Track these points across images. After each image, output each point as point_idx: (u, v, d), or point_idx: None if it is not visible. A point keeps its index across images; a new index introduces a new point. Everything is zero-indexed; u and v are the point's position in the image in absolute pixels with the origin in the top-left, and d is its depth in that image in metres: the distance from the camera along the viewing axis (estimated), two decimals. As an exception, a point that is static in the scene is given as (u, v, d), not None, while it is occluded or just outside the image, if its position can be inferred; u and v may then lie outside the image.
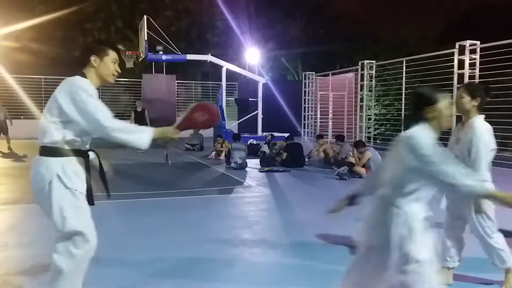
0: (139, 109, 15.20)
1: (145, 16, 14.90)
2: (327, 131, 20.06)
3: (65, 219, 2.71)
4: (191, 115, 3.08)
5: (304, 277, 3.88)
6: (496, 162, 11.83)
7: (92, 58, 2.87)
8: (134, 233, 5.19)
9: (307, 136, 21.20)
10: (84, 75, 2.85)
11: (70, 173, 2.75)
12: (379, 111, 18.31)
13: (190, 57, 15.98)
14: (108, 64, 2.92)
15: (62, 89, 2.74)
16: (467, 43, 12.70)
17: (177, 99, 22.84)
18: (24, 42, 23.21)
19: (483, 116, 3.43)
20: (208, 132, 13.53)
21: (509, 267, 3.42)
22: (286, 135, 12.77)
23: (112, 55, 2.94)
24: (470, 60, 12.73)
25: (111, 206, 5.56)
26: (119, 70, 2.98)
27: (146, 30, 14.59)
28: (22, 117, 19.48)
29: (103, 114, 2.68)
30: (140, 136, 2.78)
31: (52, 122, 2.72)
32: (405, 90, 15.41)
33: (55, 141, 2.73)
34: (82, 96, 2.68)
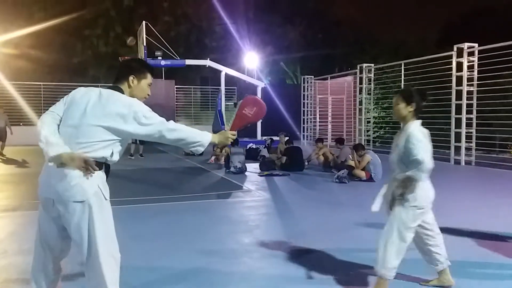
0: None
1: (143, 22, 14.96)
2: (327, 135, 20.08)
3: (110, 235, 2.74)
4: (241, 113, 3.21)
5: (304, 282, 3.87)
6: (497, 164, 11.89)
7: (131, 78, 2.85)
8: (133, 238, 5.18)
9: (306, 140, 21.21)
10: (122, 91, 2.81)
11: (105, 183, 2.76)
12: (378, 114, 18.34)
13: (189, 62, 16.03)
14: (144, 87, 2.91)
15: (109, 111, 2.67)
16: (465, 45, 12.74)
17: (176, 104, 22.88)
18: (24, 49, 23.27)
19: (419, 121, 3.47)
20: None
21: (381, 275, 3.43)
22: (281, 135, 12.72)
23: (149, 79, 2.93)
24: (468, 62, 12.77)
25: (112, 211, 5.55)
26: (150, 94, 2.98)
27: (144, 36, 14.63)
28: (21, 124, 19.50)
29: (162, 119, 2.78)
30: (201, 139, 2.87)
31: (100, 141, 2.65)
32: (404, 93, 15.40)
33: (103, 157, 2.69)
34: (139, 113, 2.68)
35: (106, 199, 2.73)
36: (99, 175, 2.72)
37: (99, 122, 2.64)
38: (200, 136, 2.88)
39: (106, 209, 2.73)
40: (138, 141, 13.25)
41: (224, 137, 3.02)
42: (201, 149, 2.93)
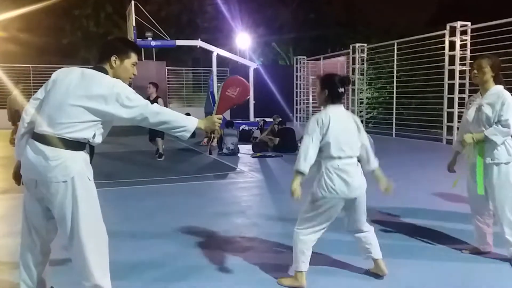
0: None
1: (132, 2, 14.71)
2: (319, 116, 20.04)
3: (94, 215, 2.70)
4: (224, 95, 3.13)
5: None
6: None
7: (113, 58, 2.77)
8: (124, 219, 5.18)
9: (299, 121, 21.19)
10: (106, 72, 2.74)
11: (88, 164, 2.72)
12: (371, 95, 18.31)
13: (179, 42, 15.85)
14: (127, 67, 2.83)
15: (91, 91, 2.61)
16: (458, 24, 12.67)
17: (168, 86, 22.68)
18: (12, 31, 22.90)
19: (333, 106, 3.28)
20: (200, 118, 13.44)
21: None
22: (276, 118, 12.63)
23: (133, 58, 2.85)
24: (461, 41, 12.72)
25: (103, 193, 5.52)
26: (136, 74, 2.89)
27: (134, 16, 14.42)
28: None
29: (146, 101, 2.72)
30: (185, 123, 2.80)
31: (81, 121, 2.60)
32: (397, 73, 15.40)
33: (84, 138, 2.64)
34: (122, 95, 2.62)
35: (90, 180, 2.69)
36: (82, 156, 2.68)
37: (80, 103, 2.59)
38: (185, 121, 2.81)
39: (90, 189, 2.69)
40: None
41: (210, 122, 2.97)
42: (187, 135, 2.83)
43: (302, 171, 3.17)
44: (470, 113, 3.84)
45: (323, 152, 3.21)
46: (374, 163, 3.42)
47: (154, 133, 9.88)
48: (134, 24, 14.38)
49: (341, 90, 3.29)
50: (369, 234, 3.43)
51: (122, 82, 2.72)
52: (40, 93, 2.77)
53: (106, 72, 2.74)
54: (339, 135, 3.19)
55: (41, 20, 23.42)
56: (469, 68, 12.56)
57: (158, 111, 2.73)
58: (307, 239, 3.32)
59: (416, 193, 6.54)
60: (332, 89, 3.28)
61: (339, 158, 3.19)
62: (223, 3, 26.56)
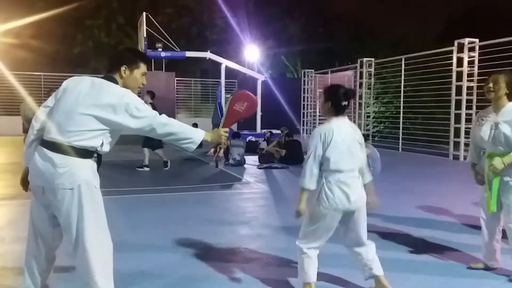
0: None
1: (144, 13, 14.89)
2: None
3: (99, 223, 2.72)
4: (232, 109, 3.15)
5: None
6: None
7: (123, 68, 2.80)
8: (129, 228, 5.20)
9: (306, 133, 21.22)
10: (115, 81, 2.78)
11: (95, 172, 2.75)
12: (378, 109, 18.32)
13: (189, 54, 15.97)
14: (137, 77, 2.86)
15: (100, 100, 2.65)
16: (466, 41, 12.71)
17: (177, 96, 22.82)
18: (24, 39, 23.17)
19: (336, 118, 3.27)
20: (207, 129, 13.51)
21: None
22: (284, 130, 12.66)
23: (142, 68, 2.88)
24: (469, 58, 12.74)
25: (111, 201, 5.56)
26: (145, 83, 2.93)
27: (145, 27, 14.58)
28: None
29: (154, 112, 2.75)
30: (192, 135, 2.82)
31: (90, 130, 2.64)
32: (404, 87, 15.42)
33: (92, 146, 2.67)
34: (131, 105, 2.66)
35: (96, 188, 2.71)
36: (90, 164, 2.71)
37: (90, 111, 2.63)
38: (192, 133, 2.83)
39: (96, 197, 2.71)
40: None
41: (217, 135, 2.99)
42: (193, 147, 2.85)
43: (308, 188, 3.17)
44: (485, 131, 3.72)
45: (324, 165, 3.19)
46: (367, 177, 3.39)
47: (147, 143, 9.72)
48: (145, 35, 14.55)
49: (344, 103, 3.27)
50: (369, 248, 3.36)
51: (132, 92, 2.76)
52: (50, 101, 2.81)
53: (115, 82, 2.78)
54: (341, 148, 3.17)
55: (53, 28, 23.69)
56: (477, 84, 12.58)
57: (166, 122, 2.76)
58: (310, 253, 3.32)
59: (419, 207, 6.52)
60: (335, 101, 3.27)
61: (341, 171, 3.17)
62: (233, 16, 26.79)
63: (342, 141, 3.19)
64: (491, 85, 3.69)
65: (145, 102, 9.96)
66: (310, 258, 3.31)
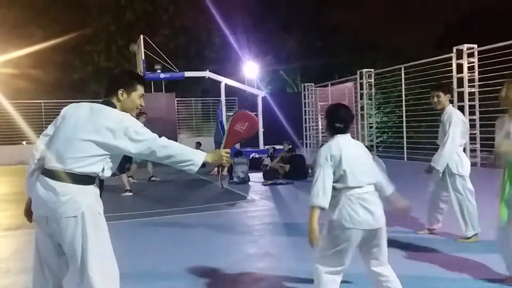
0: None
1: (141, 36, 14.95)
2: (329, 142, 19.97)
3: (104, 251, 2.68)
4: (233, 130, 3.15)
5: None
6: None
7: (120, 92, 2.81)
8: (136, 252, 5.14)
9: (309, 147, 21.16)
10: (114, 105, 2.78)
11: (98, 198, 2.72)
12: (380, 119, 18.27)
13: (188, 74, 15.99)
14: (134, 99, 2.86)
15: (100, 125, 2.63)
16: (465, 46, 12.69)
17: (178, 117, 22.87)
18: (23, 68, 23.32)
19: (340, 136, 3.17)
20: (209, 147, 13.50)
21: None
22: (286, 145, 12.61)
23: (139, 90, 2.88)
24: (468, 63, 12.71)
25: (114, 225, 5.51)
26: (143, 105, 2.92)
27: (143, 50, 14.63)
28: (24, 143, 19.53)
29: (154, 135, 2.74)
30: (193, 157, 2.78)
31: (90, 155, 2.61)
32: (405, 96, 15.38)
33: (94, 172, 2.65)
34: (130, 129, 2.64)
35: (100, 214, 2.68)
36: (92, 190, 2.68)
37: (89, 137, 2.61)
38: (192, 155, 2.80)
39: (100, 224, 2.68)
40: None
41: (218, 156, 2.96)
42: (194, 169, 2.80)
43: (323, 207, 2.99)
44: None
45: (340, 182, 3.04)
46: (390, 187, 3.26)
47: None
48: (143, 58, 14.60)
49: (339, 125, 3.16)
50: (388, 269, 3.13)
51: (131, 116, 2.75)
52: (50, 129, 2.80)
53: (114, 106, 2.78)
54: (354, 163, 3.05)
55: (52, 56, 23.84)
56: (478, 89, 12.53)
57: (166, 144, 2.73)
58: (331, 278, 3.09)
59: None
60: (332, 124, 3.18)
61: (358, 187, 3.03)
62: (231, 33, 26.95)
63: (352, 156, 3.08)
64: (505, 90, 3.67)
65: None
66: (332, 282, 3.09)
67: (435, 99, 5.28)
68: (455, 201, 5.12)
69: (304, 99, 21.85)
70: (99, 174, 2.68)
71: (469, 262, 4.38)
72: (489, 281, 3.85)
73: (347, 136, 3.23)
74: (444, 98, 5.26)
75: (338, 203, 3.03)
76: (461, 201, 5.06)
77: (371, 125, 17.70)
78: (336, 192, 3.04)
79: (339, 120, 3.17)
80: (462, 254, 4.64)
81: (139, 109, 2.93)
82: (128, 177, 11.31)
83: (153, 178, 11.82)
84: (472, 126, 12.68)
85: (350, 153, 3.08)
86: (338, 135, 3.18)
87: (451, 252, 4.72)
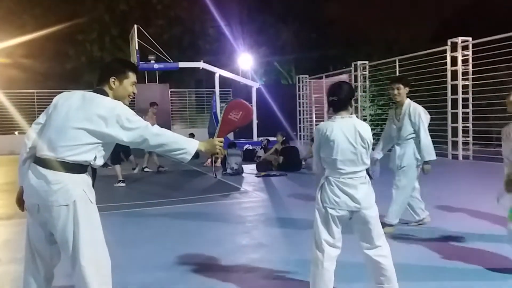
0: None
1: (135, 26, 14.86)
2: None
3: (96, 239, 2.66)
4: (226, 118, 3.12)
5: (303, 282, 3.81)
6: (494, 158, 11.84)
7: (112, 79, 2.78)
8: (129, 242, 5.13)
9: (303, 139, 21.18)
10: (106, 93, 2.75)
11: (90, 187, 2.70)
12: (375, 112, 18.30)
13: (182, 65, 15.94)
14: (127, 87, 2.84)
15: (92, 113, 2.61)
16: (459, 39, 12.72)
17: (172, 108, 22.79)
18: (16, 58, 23.13)
19: (339, 117, 3.18)
20: (203, 139, 13.45)
21: None
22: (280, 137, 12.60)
23: (131, 78, 2.86)
24: (462, 56, 12.75)
25: (107, 216, 5.49)
26: (136, 92, 2.90)
27: (136, 40, 14.55)
28: (16, 133, 19.41)
29: (146, 123, 2.71)
30: (186, 146, 2.77)
31: (82, 144, 2.59)
32: (399, 89, 15.37)
33: (86, 161, 2.63)
34: (122, 117, 2.62)
35: (92, 203, 2.67)
36: (84, 179, 2.67)
37: (81, 125, 2.59)
38: (185, 143, 2.79)
39: (92, 212, 2.66)
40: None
41: (211, 145, 2.95)
42: (187, 157, 2.80)
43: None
44: None
45: (325, 163, 3.14)
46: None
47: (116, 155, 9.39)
48: (137, 48, 14.51)
49: (333, 99, 3.16)
50: (382, 255, 3.16)
51: (123, 104, 2.73)
52: (41, 118, 2.78)
53: (106, 94, 2.75)
54: (342, 148, 3.07)
55: (44, 46, 23.63)
56: (472, 82, 12.57)
57: (159, 132, 2.72)
58: (326, 254, 3.14)
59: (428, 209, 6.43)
60: (328, 98, 3.23)
61: (339, 174, 3.10)
62: (225, 24, 26.83)
63: (342, 141, 3.09)
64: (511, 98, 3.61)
65: (153, 113, 10.16)
66: (329, 261, 3.15)
67: (395, 91, 5.29)
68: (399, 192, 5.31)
69: (299, 91, 21.83)
70: (91, 163, 2.66)
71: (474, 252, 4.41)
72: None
73: (347, 118, 3.18)
74: (403, 90, 5.30)
75: (323, 183, 3.16)
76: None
77: (365, 117, 17.72)
78: (323, 170, 3.21)
79: (331, 93, 3.21)
80: (465, 244, 4.67)
81: (131, 97, 2.90)
82: (143, 168, 11.53)
83: (160, 169, 11.76)
84: (465, 119, 12.74)
85: (341, 136, 3.10)
86: (337, 116, 3.18)
87: (447, 241, 4.75)
